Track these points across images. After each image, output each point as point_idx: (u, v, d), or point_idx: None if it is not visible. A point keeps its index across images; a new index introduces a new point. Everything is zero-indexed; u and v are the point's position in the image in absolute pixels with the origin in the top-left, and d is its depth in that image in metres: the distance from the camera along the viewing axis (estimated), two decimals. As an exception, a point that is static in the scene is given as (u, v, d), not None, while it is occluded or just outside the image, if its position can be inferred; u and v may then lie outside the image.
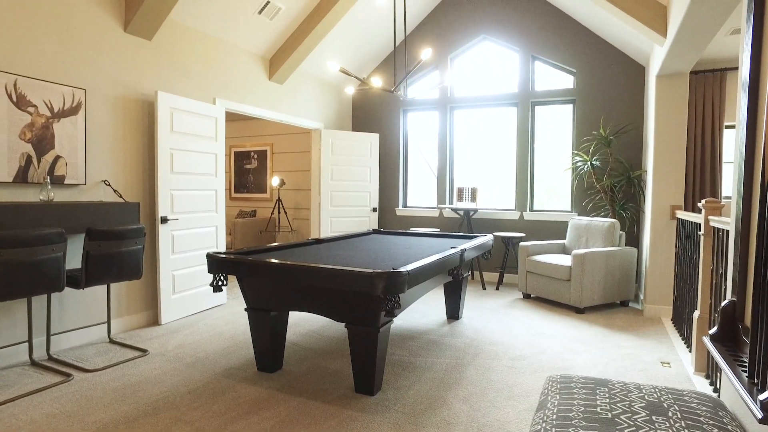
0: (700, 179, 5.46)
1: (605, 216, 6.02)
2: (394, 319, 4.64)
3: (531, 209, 6.57)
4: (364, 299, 2.78)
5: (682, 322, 4.10)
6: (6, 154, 3.33)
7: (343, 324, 4.52)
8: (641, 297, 5.24)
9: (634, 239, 5.96)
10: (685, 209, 5.47)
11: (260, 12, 5.10)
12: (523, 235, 5.97)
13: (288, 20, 5.51)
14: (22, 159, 3.42)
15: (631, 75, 5.91)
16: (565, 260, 5.13)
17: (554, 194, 6.49)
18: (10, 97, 3.34)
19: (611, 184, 5.67)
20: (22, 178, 3.42)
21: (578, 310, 4.94)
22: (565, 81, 6.34)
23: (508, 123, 6.73)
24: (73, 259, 3.81)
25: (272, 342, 3.24)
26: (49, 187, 3.45)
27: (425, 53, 4.40)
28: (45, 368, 3.32)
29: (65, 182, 3.70)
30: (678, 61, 4.23)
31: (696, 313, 3.36)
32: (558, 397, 1.70)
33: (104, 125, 4.03)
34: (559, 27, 6.23)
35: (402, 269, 2.63)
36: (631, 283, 5.22)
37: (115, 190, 4.01)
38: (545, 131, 6.51)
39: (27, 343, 3.50)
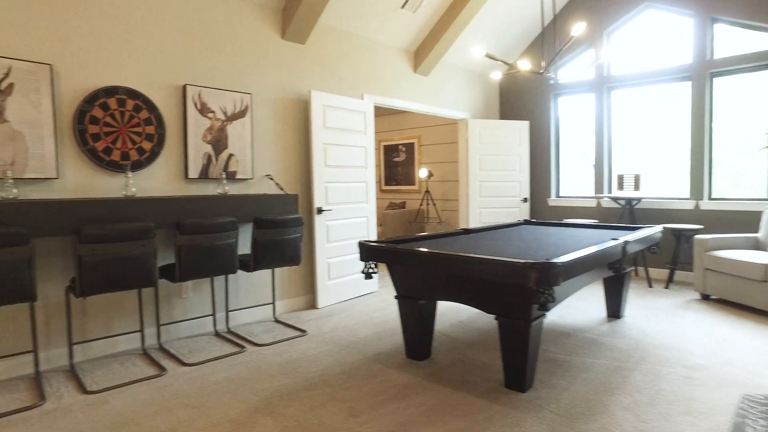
0: None
1: (815, 204, 4.92)
2: (548, 314, 4.37)
3: (709, 198, 5.66)
4: (515, 291, 2.64)
5: None
6: (194, 155, 3.86)
7: (493, 316, 4.41)
8: None
9: None
10: None
11: (403, 6, 5.16)
12: (700, 227, 5.16)
13: (430, 11, 5.49)
14: (204, 158, 3.94)
15: None
16: (759, 257, 4.32)
17: (740, 180, 5.50)
18: (195, 106, 3.86)
19: (824, 164, 4.61)
20: (204, 174, 3.94)
21: (777, 317, 4.13)
22: (759, 42, 5.29)
23: (679, 101, 5.88)
24: (242, 246, 4.28)
25: (421, 330, 3.26)
26: (224, 181, 3.93)
27: (577, 28, 4.04)
28: (225, 339, 3.79)
29: (236, 177, 4.16)
30: None
31: None
32: (764, 423, 1.40)
33: (266, 125, 4.44)
34: (750, -20, 5.23)
35: (556, 260, 2.43)
36: None
37: (277, 183, 4.41)
38: (727, 106, 5.54)
39: (212, 317, 4.04)
